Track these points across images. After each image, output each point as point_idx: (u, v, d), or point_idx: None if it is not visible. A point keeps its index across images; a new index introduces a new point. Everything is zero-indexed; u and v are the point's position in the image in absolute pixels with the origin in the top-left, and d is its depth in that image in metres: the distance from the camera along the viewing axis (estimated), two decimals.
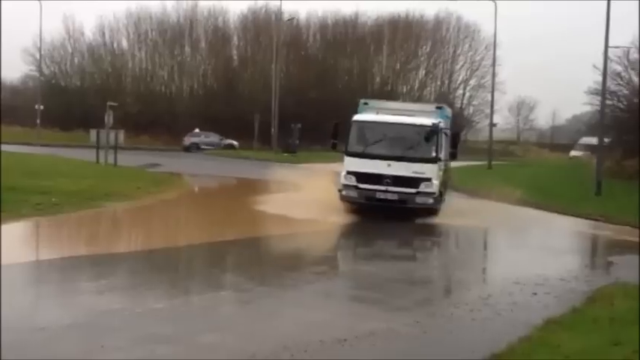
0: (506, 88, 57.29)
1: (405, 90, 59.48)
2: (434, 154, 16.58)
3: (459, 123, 59.81)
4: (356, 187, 16.61)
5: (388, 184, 16.32)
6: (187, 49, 58.55)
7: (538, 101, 73.72)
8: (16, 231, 13.36)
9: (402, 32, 59.08)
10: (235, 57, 59.59)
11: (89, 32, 59.31)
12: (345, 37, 58.94)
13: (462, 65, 61.82)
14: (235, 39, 59.80)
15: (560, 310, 8.24)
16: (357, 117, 17.53)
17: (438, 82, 62.13)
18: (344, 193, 16.75)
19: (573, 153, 49.06)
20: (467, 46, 60.87)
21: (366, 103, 18.86)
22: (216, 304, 8.54)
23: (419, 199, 16.35)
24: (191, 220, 17.11)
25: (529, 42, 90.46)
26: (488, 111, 46.71)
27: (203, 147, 47.09)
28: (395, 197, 16.33)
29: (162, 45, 58.07)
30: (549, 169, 35.38)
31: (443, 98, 51.98)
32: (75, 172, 22.32)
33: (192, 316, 7.88)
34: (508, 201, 20.40)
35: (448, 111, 20.48)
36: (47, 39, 55.49)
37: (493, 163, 37.39)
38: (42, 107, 49.45)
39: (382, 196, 16.37)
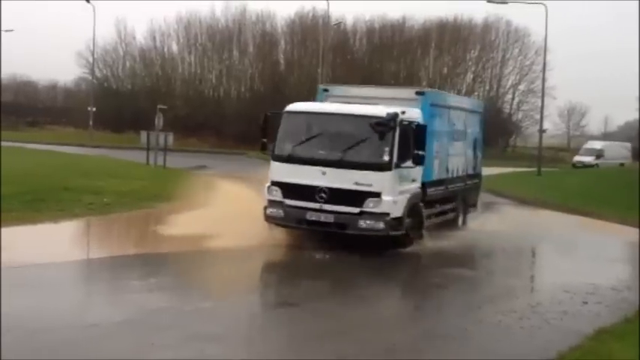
0: (556, 93, 56.32)
1: (452, 94, 58.93)
2: (386, 158, 11.80)
3: (508, 128, 59.33)
4: (282, 204, 12.26)
5: (322, 201, 11.88)
6: (235, 53, 59.25)
7: (589, 107, 72.35)
8: (69, 230, 13.79)
9: (450, 36, 58.58)
10: (282, 61, 60.05)
11: (140, 37, 60.61)
12: (391, 41, 58.66)
13: (512, 70, 60.95)
14: (282, 43, 60.27)
15: (612, 319, 8.10)
16: (289, 107, 13.02)
17: (487, 87, 61.37)
18: (268, 212, 12.44)
19: (577, 158, 47.48)
20: (516, 50, 60.00)
21: (326, 90, 14.43)
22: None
23: (363, 223, 11.67)
24: (237, 221, 17.24)
25: (582, 42, 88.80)
26: (537, 116, 45.85)
27: None
28: (330, 219, 11.83)
29: (211, 49, 58.91)
30: (600, 177, 34.53)
31: (491, 103, 51.36)
32: (126, 173, 22.77)
33: (238, 315, 8.01)
34: (556, 208, 19.88)
35: (447, 98, 16.13)
36: (100, 43, 56.96)
37: (542, 169, 36.68)
38: (94, 109, 50.62)
39: (314, 217, 11.91)
